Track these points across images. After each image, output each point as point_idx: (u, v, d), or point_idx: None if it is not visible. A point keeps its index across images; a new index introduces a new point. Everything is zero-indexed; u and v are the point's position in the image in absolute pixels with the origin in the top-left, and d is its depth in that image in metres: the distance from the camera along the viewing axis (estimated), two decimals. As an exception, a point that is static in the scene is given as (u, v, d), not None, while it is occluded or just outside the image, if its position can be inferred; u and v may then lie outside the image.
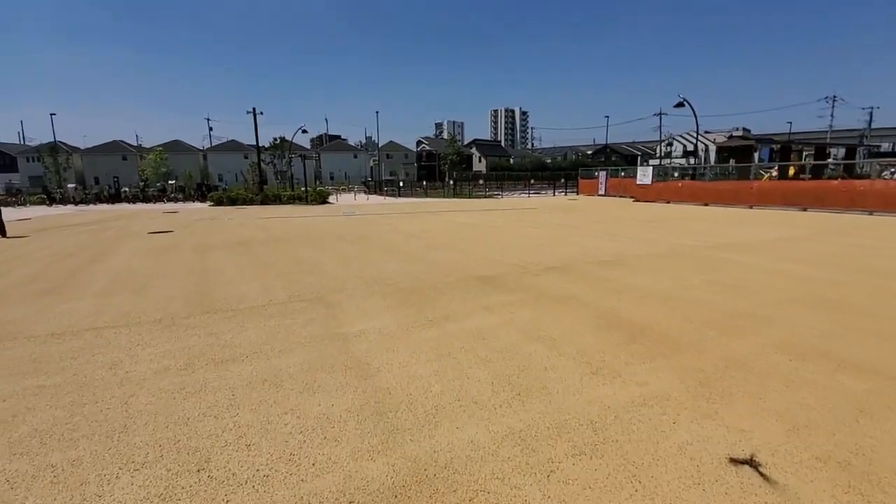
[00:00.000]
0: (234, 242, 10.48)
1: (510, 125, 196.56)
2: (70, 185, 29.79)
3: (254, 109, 26.67)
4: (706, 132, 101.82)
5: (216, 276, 6.85)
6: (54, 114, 37.33)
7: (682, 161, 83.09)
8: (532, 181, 34.84)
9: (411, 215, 17.40)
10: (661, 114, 75.60)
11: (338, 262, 7.78)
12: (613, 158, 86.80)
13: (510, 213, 17.34)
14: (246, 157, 56.79)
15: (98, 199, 28.35)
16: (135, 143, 73.38)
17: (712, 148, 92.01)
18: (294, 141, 64.99)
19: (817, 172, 27.50)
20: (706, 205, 19.85)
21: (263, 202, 25.09)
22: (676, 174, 23.92)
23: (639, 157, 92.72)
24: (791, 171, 29.18)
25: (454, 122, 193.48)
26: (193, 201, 28.61)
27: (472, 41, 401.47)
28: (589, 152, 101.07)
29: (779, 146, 38.27)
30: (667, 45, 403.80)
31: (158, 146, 54.32)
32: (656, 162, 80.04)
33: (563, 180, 32.53)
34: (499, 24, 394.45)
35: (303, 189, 27.54)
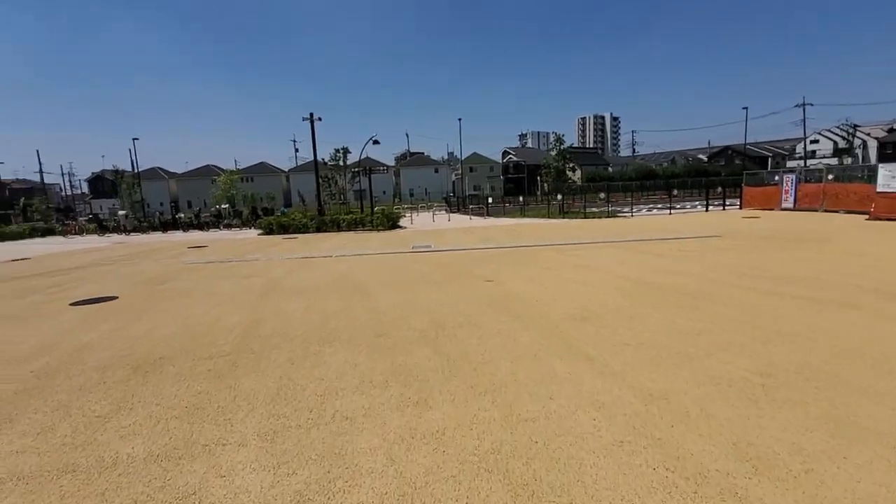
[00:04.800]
0: (137, 363, 4.52)
1: (599, 132, 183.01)
2: (121, 213, 27.35)
3: (311, 115, 21.89)
4: (856, 126, 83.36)
5: None
6: (136, 139, 36.67)
7: (833, 161, 67.57)
8: (674, 191, 26.40)
9: (523, 253, 10.66)
10: (804, 104, 61.48)
11: None
12: (737, 161, 73.00)
13: (706, 252, 9.89)
14: (326, 177, 54.26)
15: (151, 226, 25.46)
16: (233, 168, 75.53)
17: (871, 144, 74.32)
18: (372, 157, 61.83)
19: None
20: None
21: (319, 229, 19.95)
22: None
23: (769, 159, 77.56)
24: None
25: (539, 133, 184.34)
26: (250, 227, 24.56)
27: (554, 48, 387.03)
28: (703, 156, 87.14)
29: None
30: (793, 34, 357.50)
31: (238, 169, 53.67)
32: (798, 163, 65.15)
33: (719, 189, 23.67)
34: (581, 28, 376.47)
35: (367, 210, 22.16)
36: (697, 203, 29.39)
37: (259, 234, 20.38)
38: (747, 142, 64.17)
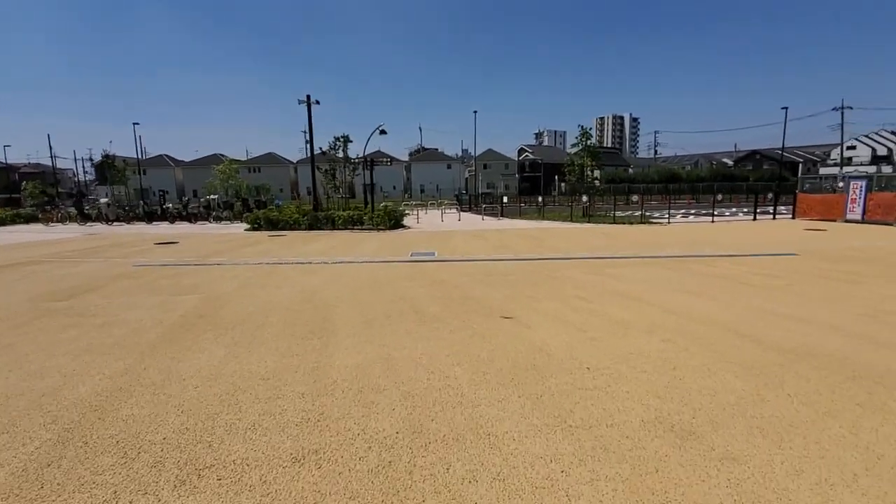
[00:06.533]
0: None
1: (618, 133, 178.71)
2: (102, 201, 25.50)
3: (308, 97, 19.61)
4: (894, 132, 78.99)
5: None
6: (137, 123, 34.99)
7: (870, 169, 63.71)
8: (719, 196, 23.53)
9: (549, 270, 8.26)
10: (843, 108, 57.69)
11: None
12: (766, 167, 69.29)
13: (806, 280, 7.41)
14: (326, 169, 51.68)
15: (136, 216, 23.51)
16: (244, 158, 73.63)
17: (913, 151, 70.10)
18: (384, 150, 59.59)
19: None
20: None
21: (312, 226, 17.74)
22: None
23: (800, 165, 73.62)
24: None
25: (556, 132, 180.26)
26: (241, 220, 22.49)
27: (572, 46, 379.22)
28: (727, 160, 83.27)
29: None
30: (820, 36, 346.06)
31: (242, 159, 51.75)
32: (832, 170, 61.29)
33: (769, 195, 20.90)
34: (600, 26, 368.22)
35: (365, 208, 19.91)
36: (735, 209, 26.68)
37: (246, 230, 18.25)
38: (775, 147, 60.46)
